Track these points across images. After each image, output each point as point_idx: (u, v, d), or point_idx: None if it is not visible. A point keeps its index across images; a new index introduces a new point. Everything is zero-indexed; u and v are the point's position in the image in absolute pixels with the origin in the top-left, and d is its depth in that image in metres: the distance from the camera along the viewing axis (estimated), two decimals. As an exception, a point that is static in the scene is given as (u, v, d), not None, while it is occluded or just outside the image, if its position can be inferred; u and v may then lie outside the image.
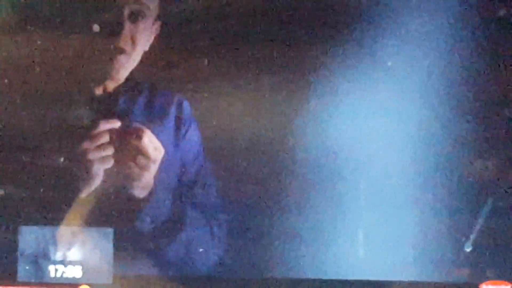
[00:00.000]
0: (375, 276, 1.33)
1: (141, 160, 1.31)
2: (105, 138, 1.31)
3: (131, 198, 1.33)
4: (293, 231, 1.34)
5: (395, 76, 1.33)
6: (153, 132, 1.34)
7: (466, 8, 1.31)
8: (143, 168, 1.31)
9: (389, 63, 1.33)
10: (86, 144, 1.31)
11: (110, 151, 1.31)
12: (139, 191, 1.33)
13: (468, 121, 1.33)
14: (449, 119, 1.33)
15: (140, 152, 1.32)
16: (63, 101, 1.33)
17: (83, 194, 1.32)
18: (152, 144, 1.32)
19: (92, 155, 1.31)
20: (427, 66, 1.32)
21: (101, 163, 1.31)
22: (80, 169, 1.31)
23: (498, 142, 1.33)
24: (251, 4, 1.32)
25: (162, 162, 1.32)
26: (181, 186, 1.35)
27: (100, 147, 1.31)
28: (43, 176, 1.33)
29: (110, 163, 1.32)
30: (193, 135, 1.35)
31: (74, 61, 1.34)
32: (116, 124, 1.32)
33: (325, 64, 1.33)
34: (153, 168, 1.32)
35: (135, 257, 1.34)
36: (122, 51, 1.33)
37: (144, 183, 1.32)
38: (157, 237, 1.33)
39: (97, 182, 1.32)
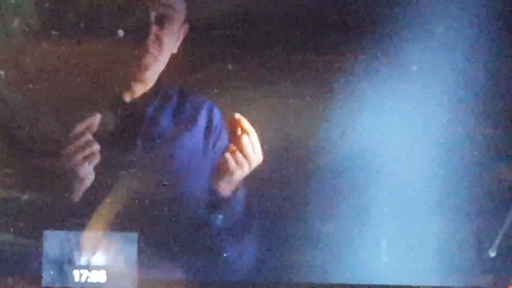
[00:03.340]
0: (399, 281, 1.33)
1: (239, 157, 1.32)
2: (86, 137, 1.31)
3: (211, 193, 1.33)
4: (318, 237, 1.34)
5: (420, 81, 1.33)
6: (182, 138, 1.34)
7: (491, 11, 1.32)
8: (240, 165, 1.32)
9: (414, 68, 1.33)
10: (69, 147, 1.31)
11: (94, 148, 1.31)
12: (223, 189, 1.33)
13: (493, 126, 1.33)
14: (474, 124, 1.33)
15: (241, 149, 1.32)
16: (90, 106, 1.33)
17: (78, 195, 1.31)
18: (252, 146, 1.32)
19: (76, 156, 1.31)
20: (452, 70, 1.33)
21: (86, 161, 1.31)
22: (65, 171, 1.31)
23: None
24: (278, 7, 1.33)
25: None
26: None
27: (83, 146, 1.31)
28: (68, 181, 1.33)
29: (95, 161, 1.31)
30: (223, 143, 1.35)
31: (102, 65, 1.34)
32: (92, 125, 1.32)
33: (351, 69, 1.33)
34: (246, 170, 1.32)
35: (159, 261, 1.33)
36: (149, 54, 1.33)
37: (230, 182, 1.32)
38: (222, 237, 1.33)
39: (88, 181, 1.31)
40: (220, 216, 1.34)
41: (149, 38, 1.33)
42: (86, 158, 1.31)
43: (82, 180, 1.32)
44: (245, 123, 1.33)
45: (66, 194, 1.33)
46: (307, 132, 1.34)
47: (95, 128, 1.32)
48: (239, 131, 1.33)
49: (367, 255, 1.34)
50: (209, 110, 1.36)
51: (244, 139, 1.33)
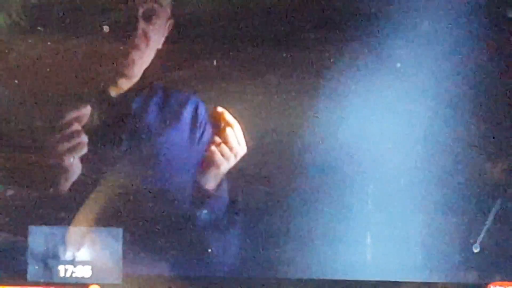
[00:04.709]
0: (384, 277, 1.33)
1: (224, 149, 1.32)
2: (74, 127, 1.31)
3: (196, 187, 1.34)
4: (302, 232, 1.34)
5: (405, 77, 1.34)
6: (167, 133, 1.35)
7: (479, 7, 1.32)
8: (226, 158, 1.32)
9: (398, 64, 1.34)
10: (56, 136, 1.31)
11: (82, 139, 1.31)
12: (207, 183, 1.33)
13: (477, 122, 1.33)
14: (458, 120, 1.34)
15: (225, 141, 1.33)
16: (76, 101, 1.33)
17: (65, 188, 1.32)
18: (236, 138, 1.32)
19: (61, 146, 1.31)
20: (438, 66, 1.33)
21: (73, 153, 1.31)
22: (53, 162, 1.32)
23: (507, 144, 1.34)
24: (264, 4, 1.33)
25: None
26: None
27: (69, 136, 1.31)
28: (53, 175, 1.33)
29: (82, 152, 1.31)
30: (208, 137, 1.36)
31: (89, 60, 1.34)
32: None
33: (335, 64, 1.34)
34: (232, 162, 1.33)
35: (144, 256, 1.33)
36: (136, 48, 1.33)
37: (215, 175, 1.33)
38: (207, 232, 1.33)
39: (75, 173, 1.32)
40: (205, 211, 1.35)
41: (136, 33, 1.34)
42: (73, 148, 1.32)
43: (69, 172, 1.32)
44: (228, 115, 1.34)
45: (51, 189, 1.33)
46: (292, 127, 1.34)
47: (85, 120, 1.32)
48: (222, 124, 1.34)
49: (352, 251, 1.34)
50: (194, 105, 1.37)
51: (228, 131, 1.34)
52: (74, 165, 1.32)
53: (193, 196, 1.35)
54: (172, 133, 1.36)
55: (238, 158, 1.34)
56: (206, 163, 1.35)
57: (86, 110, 1.33)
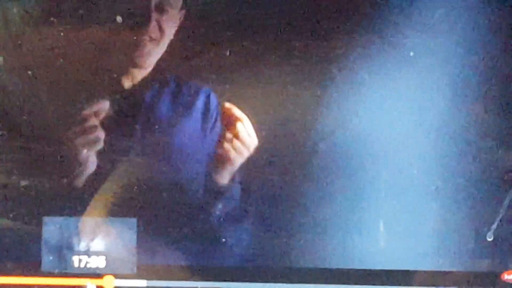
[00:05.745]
0: (397, 266, 1.34)
1: (237, 144, 1.33)
2: (92, 122, 1.32)
3: (209, 179, 1.34)
4: (315, 222, 1.34)
5: (416, 67, 1.34)
6: (180, 124, 1.35)
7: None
8: (239, 153, 1.33)
9: (411, 53, 1.33)
10: (73, 130, 1.32)
11: (99, 134, 1.32)
12: (223, 177, 1.34)
13: (490, 110, 1.33)
14: (472, 109, 1.33)
15: (237, 136, 1.33)
16: (89, 91, 1.34)
17: (79, 180, 1.32)
18: (247, 131, 1.33)
19: (78, 140, 1.31)
20: (450, 56, 1.33)
21: (89, 147, 1.32)
22: (68, 155, 1.32)
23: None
24: (276, -6, 1.33)
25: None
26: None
27: (87, 130, 1.32)
28: (68, 168, 1.34)
29: (99, 146, 1.32)
30: (219, 128, 1.36)
31: (102, 52, 1.34)
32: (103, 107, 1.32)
33: (349, 55, 1.34)
34: (246, 155, 1.34)
35: (158, 246, 1.34)
36: (150, 39, 1.34)
37: (231, 169, 1.33)
38: (221, 222, 1.34)
39: (91, 167, 1.32)
40: (219, 201, 1.35)
41: (149, 24, 1.34)
42: (90, 143, 1.32)
43: (85, 166, 1.33)
44: (237, 110, 1.34)
45: (66, 180, 1.33)
46: (305, 118, 1.34)
47: (102, 114, 1.33)
48: (233, 119, 1.34)
49: (365, 240, 1.34)
50: (206, 95, 1.37)
51: (239, 126, 1.34)
52: (90, 158, 1.33)
53: (206, 186, 1.35)
54: (185, 124, 1.36)
55: (251, 150, 1.34)
56: (219, 159, 1.35)
57: (104, 105, 1.33)
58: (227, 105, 1.34)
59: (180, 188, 1.34)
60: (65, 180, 1.33)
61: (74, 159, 1.33)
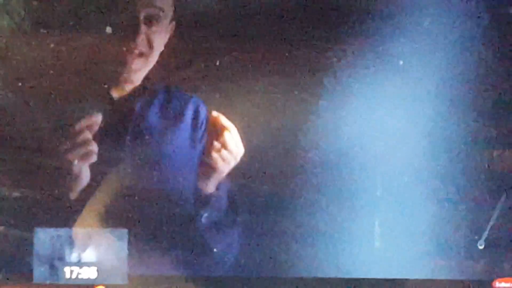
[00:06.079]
0: (390, 274, 1.33)
1: (224, 153, 1.33)
2: (86, 135, 1.32)
3: (197, 189, 1.35)
4: (303, 231, 1.34)
5: (406, 74, 1.34)
6: (169, 134, 1.35)
7: (482, 4, 1.32)
8: (226, 162, 1.33)
9: (401, 62, 1.34)
10: (66, 143, 1.32)
11: (92, 147, 1.32)
12: (210, 186, 1.34)
13: (483, 117, 1.33)
14: (465, 115, 1.33)
15: (224, 146, 1.34)
16: (80, 104, 1.34)
17: (71, 192, 1.32)
18: (234, 141, 1.33)
19: (71, 153, 1.32)
20: (441, 61, 1.33)
21: (83, 160, 1.32)
22: (62, 168, 1.32)
23: None
24: (265, 4, 1.33)
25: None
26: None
27: (80, 144, 1.32)
28: (60, 180, 1.34)
29: (93, 159, 1.32)
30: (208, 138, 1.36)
31: (91, 63, 1.35)
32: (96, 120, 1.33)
33: (338, 64, 1.34)
34: (232, 164, 1.35)
35: (149, 257, 1.34)
36: (139, 54, 1.34)
37: (217, 178, 1.34)
38: (211, 232, 1.34)
39: (84, 179, 1.32)
40: (207, 211, 1.35)
41: (138, 37, 1.34)
42: (83, 156, 1.33)
43: (77, 178, 1.33)
44: (224, 119, 1.34)
45: (58, 192, 1.34)
46: (293, 127, 1.34)
47: (95, 128, 1.33)
48: (220, 128, 1.34)
49: (354, 250, 1.34)
50: (195, 106, 1.37)
51: (226, 135, 1.34)
52: (83, 170, 1.33)
53: (195, 196, 1.35)
54: (174, 134, 1.37)
55: (238, 159, 1.35)
56: (207, 168, 1.35)
57: (97, 119, 1.33)
58: (215, 114, 1.34)
59: (170, 199, 1.35)
60: (57, 191, 1.34)
61: (66, 172, 1.33)
